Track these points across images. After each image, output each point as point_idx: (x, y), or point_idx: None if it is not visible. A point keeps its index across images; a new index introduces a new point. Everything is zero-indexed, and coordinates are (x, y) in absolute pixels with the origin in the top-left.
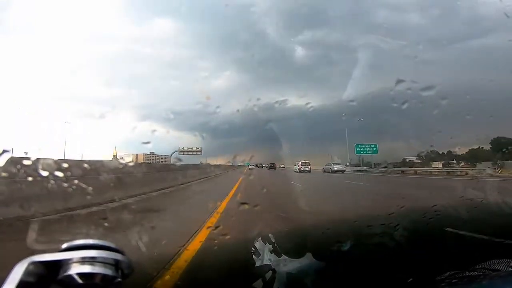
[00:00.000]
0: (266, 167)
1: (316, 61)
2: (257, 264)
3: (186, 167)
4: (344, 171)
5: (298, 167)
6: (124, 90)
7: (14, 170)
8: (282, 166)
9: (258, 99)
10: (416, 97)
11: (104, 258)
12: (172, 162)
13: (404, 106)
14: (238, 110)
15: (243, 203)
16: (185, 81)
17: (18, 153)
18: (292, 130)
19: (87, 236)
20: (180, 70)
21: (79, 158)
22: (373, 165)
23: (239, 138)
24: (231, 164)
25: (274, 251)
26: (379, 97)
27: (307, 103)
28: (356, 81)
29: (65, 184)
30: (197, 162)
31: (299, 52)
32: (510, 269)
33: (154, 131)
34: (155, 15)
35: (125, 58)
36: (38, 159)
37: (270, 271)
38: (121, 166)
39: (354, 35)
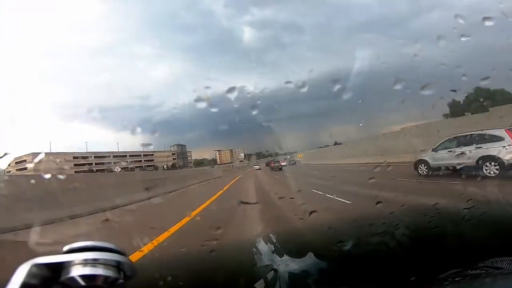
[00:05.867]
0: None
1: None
2: (259, 264)
3: None
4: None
5: None
6: (39, 87)
7: None
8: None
9: (207, 87)
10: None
11: (106, 259)
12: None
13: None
14: (185, 102)
15: None
16: (118, 72)
17: None
18: (250, 122)
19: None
20: (110, 60)
21: None
22: None
23: (192, 133)
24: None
25: (275, 251)
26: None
27: (264, 89)
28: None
29: None
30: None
31: (248, 34)
32: None
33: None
34: None
35: (37, 49)
36: None
37: (272, 271)
38: None
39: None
